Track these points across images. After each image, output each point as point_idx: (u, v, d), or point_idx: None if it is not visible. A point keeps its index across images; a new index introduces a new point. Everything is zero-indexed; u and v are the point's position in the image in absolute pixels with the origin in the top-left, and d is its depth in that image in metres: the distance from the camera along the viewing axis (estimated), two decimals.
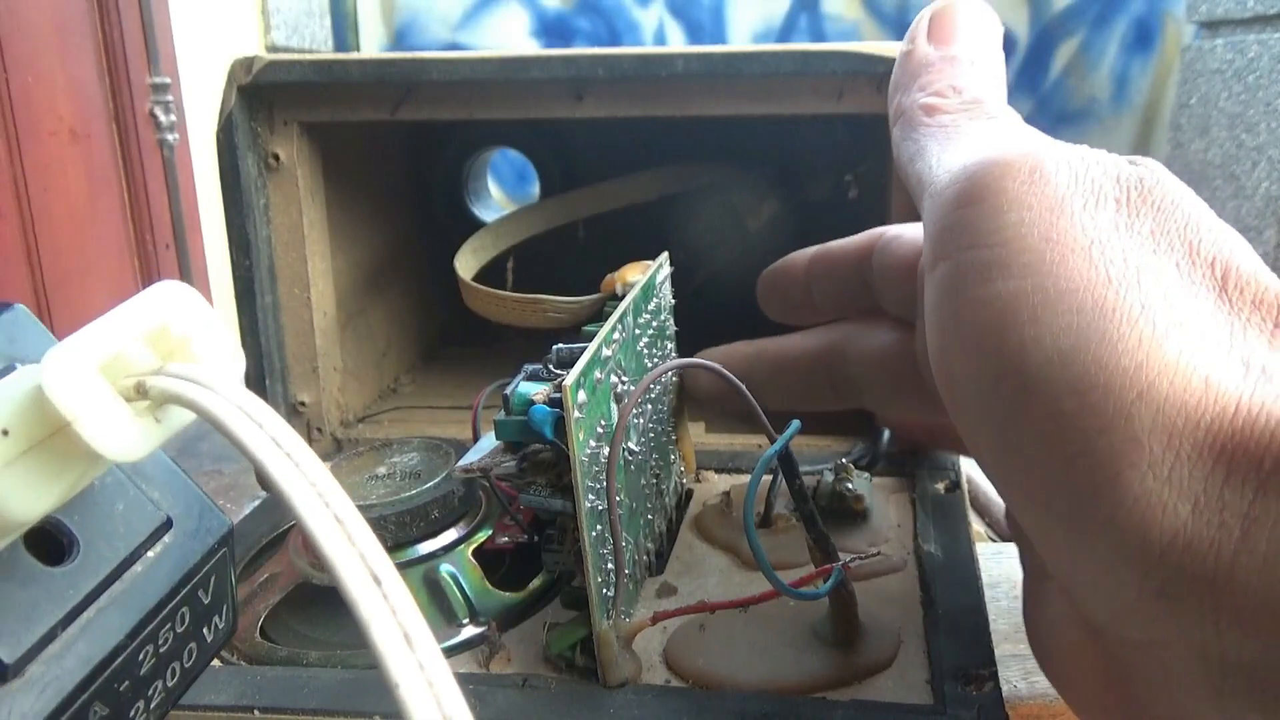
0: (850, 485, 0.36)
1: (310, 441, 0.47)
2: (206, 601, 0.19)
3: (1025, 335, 0.18)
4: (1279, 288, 0.18)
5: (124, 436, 0.14)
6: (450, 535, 0.33)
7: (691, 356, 0.35)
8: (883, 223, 0.33)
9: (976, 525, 0.47)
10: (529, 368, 0.29)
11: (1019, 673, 0.35)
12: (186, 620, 0.19)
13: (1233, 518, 0.16)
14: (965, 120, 0.24)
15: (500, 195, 0.98)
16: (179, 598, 0.18)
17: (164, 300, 0.16)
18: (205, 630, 0.20)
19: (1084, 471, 0.17)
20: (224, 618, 0.20)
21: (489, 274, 0.50)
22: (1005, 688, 0.33)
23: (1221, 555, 0.16)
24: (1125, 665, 0.19)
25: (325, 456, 0.37)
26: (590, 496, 0.26)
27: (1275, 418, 0.16)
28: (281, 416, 0.15)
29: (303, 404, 0.47)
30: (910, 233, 0.29)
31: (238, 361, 0.16)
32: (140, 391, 0.15)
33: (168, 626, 0.18)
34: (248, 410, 0.14)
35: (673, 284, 0.39)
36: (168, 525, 0.19)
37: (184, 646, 0.19)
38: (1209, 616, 0.16)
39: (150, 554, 0.18)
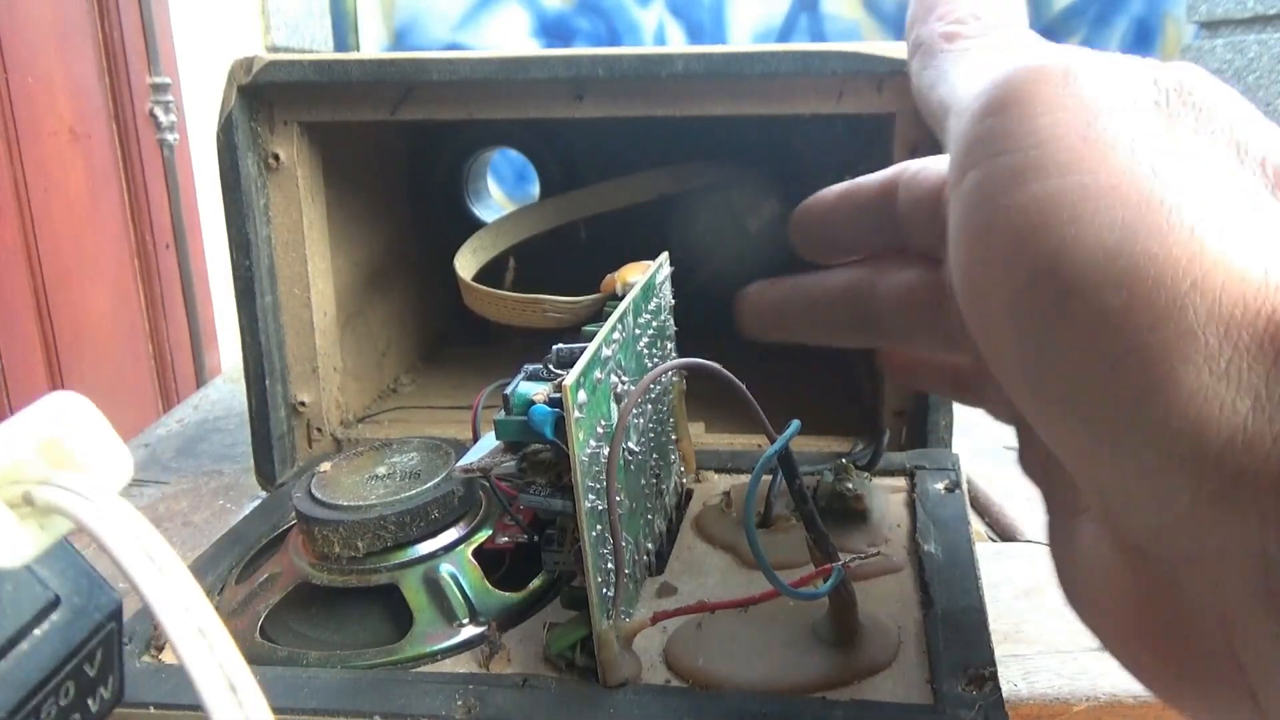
0: (850, 485, 0.36)
1: (310, 442, 0.47)
2: (92, 675, 0.20)
3: (1066, 235, 0.17)
4: None
5: (8, 546, 0.15)
6: (450, 535, 0.33)
7: (700, 348, 0.35)
8: None
9: (976, 525, 0.47)
10: (529, 368, 0.29)
11: (1019, 673, 0.35)
12: (71, 693, 0.20)
13: None
14: (988, 43, 0.23)
15: (500, 195, 0.98)
16: (63, 673, 0.19)
17: (56, 411, 0.17)
18: (90, 701, 0.20)
19: (1133, 371, 0.16)
20: (109, 688, 0.21)
21: (489, 274, 0.50)
22: (1005, 688, 0.33)
23: None
24: (1170, 589, 0.18)
25: (325, 456, 0.37)
26: (590, 496, 0.26)
27: None
28: (155, 530, 0.15)
29: (303, 404, 0.47)
30: (935, 164, 0.28)
31: (124, 469, 0.17)
32: (27, 501, 0.16)
33: (51, 700, 0.19)
34: (122, 524, 0.15)
35: (673, 284, 0.39)
36: (55, 604, 0.20)
37: (68, 718, 0.20)
38: (1272, 520, 0.15)
39: (37, 632, 0.19)
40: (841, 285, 0.31)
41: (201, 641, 0.14)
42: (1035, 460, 0.26)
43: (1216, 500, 0.16)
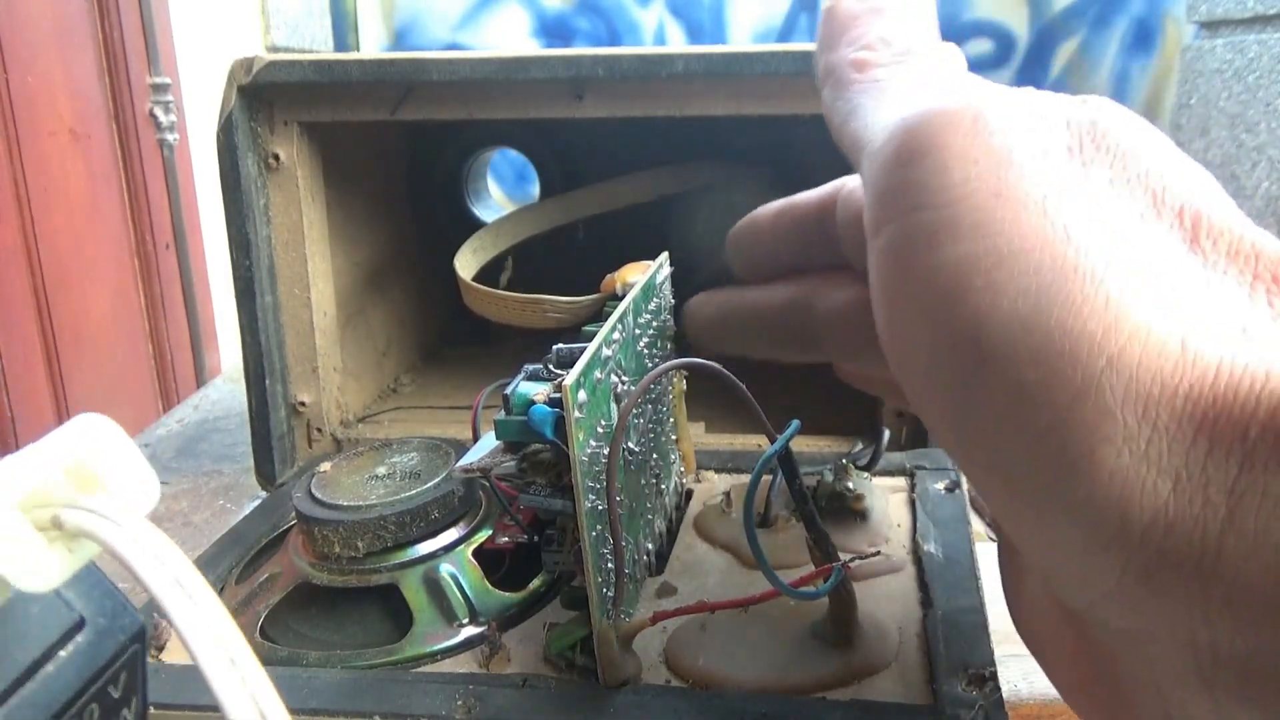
0: (850, 485, 0.36)
1: (310, 442, 0.47)
2: (116, 696, 0.20)
3: (980, 303, 0.17)
4: (1256, 236, 0.17)
5: (37, 570, 0.15)
6: (450, 535, 0.33)
7: (684, 342, 0.35)
8: None
9: (977, 525, 0.47)
10: (529, 368, 0.29)
11: (1019, 673, 0.35)
12: (95, 716, 0.20)
13: (1218, 494, 0.14)
14: (899, 73, 0.22)
15: (500, 195, 0.98)
16: (88, 695, 0.19)
17: (82, 434, 0.17)
18: None
19: (1052, 449, 0.16)
20: (133, 710, 0.21)
21: (489, 274, 0.50)
22: (1005, 688, 0.33)
23: (1208, 536, 0.14)
24: (1107, 653, 0.18)
25: (325, 456, 0.37)
26: (590, 496, 0.26)
27: (1260, 381, 0.14)
28: (176, 548, 0.15)
29: (303, 404, 0.47)
30: None
31: (151, 492, 0.17)
32: (56, 524, 0.16)
33: None
34: (152, 549, 0.15)
35: (674, 284, 0.39)
36: (80, 625, 0.20)
37: None
38: (1197, 604, 0.15)
39: (62, 654, 0.19)
40: (783, 300, 0.31)
41: (234, 672, 0.14)
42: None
43: (1143, 581, 0.15)
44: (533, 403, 0.26)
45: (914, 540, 0.35)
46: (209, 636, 0.14)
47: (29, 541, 0.15)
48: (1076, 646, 0.19)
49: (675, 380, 0.37)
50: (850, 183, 0.28)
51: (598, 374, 0.27)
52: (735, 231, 0.32)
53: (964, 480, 0.39)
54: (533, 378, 0.28)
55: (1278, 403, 0.14)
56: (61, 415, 1.05)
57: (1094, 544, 0.16)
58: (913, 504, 0.37)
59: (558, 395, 0.25)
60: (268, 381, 0.45)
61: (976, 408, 0.17)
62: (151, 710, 0.27)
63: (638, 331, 0.33)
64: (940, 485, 0.38)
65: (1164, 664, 0.16)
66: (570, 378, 0.25)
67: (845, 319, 0.29)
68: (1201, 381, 0.15)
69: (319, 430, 0.47)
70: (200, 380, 1.29)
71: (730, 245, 0.33)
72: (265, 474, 0.46)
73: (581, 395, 0.26)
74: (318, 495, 0.33)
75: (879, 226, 0.20)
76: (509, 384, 0.28)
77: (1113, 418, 0.15)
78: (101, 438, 0.17)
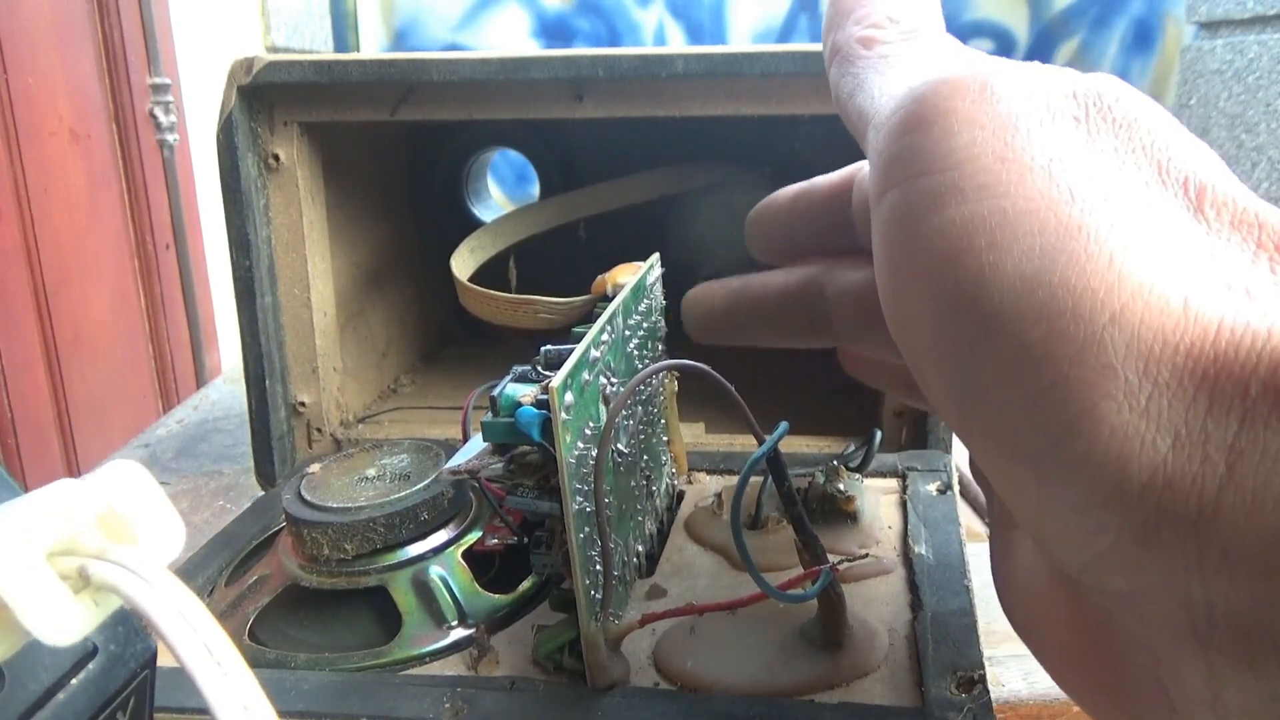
0: (841, 486, 0.36)
1: (310, 442, 0.47)
2: None
3: (984, 262, 0.17)
4: (1259, 207, 0.17)
5: (61, 623, 0.15)
6: (440, 537, 0.33)
7: (698, 349, 0.35)
8: None
9: (977, 525, 0.47)
10: (517, 369, 0.28)
11: (1019, 673, 0.35)
12: None
13: (1217, 451, 0.14)
14: (905, 49, 0.23)
15: (500, 195, 0.98)
16: None
17: (114, 480, 0.17)
18: None
19: (1054, 406, 0.16)
20: None
21: (489, 274, 0.50)
22: (1005, 689, 0.33)
23: (1206, 493, 0.14)
24: (1101, 618, 0.18)
25: (320, 457, 0.37)
26: (578, 498, 0.26)
27: (1261, 339, 0.15)
28: (186, 596, 0.15)
29: (303, 404, 0.47)
30: None
31: (176, 542, 0.17)
32: (83, 575, 0.15)
33: None
34: (180, 612, 0.15)
35: (673, 284, 0.39)
36: (93, 653, 0.20)
37: None
38: (1193, 561, 0.15)
39: (74, 682, 0.19)
40: (793, 284, 0.31)
41: None
42: (976, 467, 0.25)
43: (1140, 540, 0.15)
44: (519, 404, 0.26)
45: (904, 542, 0.35)
46: (238, 708, 0.14)
47: (55, 594, 0.15)
48: (1069, 617, 0.19)
49: (666, 381, 0.37)
50: (866, 167, 0.28)
51: (585, 375, 0.27)
52: (754, 213, 0.33)
53: (955, 482, 0.39)
54: (521, 379, 0.28)
55: (1279, 360, 0.14)
56: (61, 415, 1.06)
57: (1092, 502, 0.16)
58: (904, 505, 0.37)
59: (545, 397, 0.25)
60: (268, 382, 0.45)
61: (978, 369, 0.17)
62: None
63: (627, 333, 0.33)
64: (932, 487, 0.38)
65: (1158, 625, 0.16)
66: (557, 379, 0.25)
67: (855, 300, 0.29)
68: (1203, 338, 0.15)
69: (319, 431, 0.47)
70: (200, 380, 1.29)
71: (749, 226, 0.33)
72: (265, 474, 0.46)
73: (568, 397, 0.26)
74: (307, 497, 0.33)
75: (884, 192, 0.20)
76: (497, 385, 0.28)
77: (1114, 373, 0.15)
78: (134, 485, 0.17)
